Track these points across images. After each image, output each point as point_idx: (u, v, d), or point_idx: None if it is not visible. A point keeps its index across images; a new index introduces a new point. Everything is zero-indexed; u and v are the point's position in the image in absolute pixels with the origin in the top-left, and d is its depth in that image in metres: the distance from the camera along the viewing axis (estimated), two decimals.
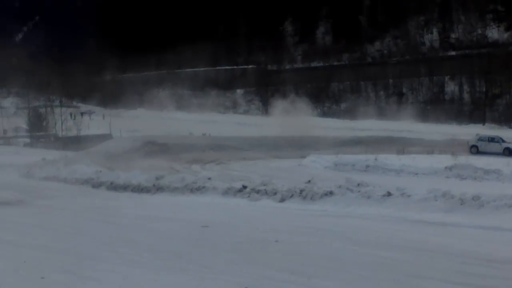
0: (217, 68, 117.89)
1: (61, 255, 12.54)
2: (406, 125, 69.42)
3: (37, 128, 71.91)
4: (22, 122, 73.66)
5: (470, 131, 59.43)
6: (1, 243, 14.18)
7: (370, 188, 17.16)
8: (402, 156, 36.43)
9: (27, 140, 66.84)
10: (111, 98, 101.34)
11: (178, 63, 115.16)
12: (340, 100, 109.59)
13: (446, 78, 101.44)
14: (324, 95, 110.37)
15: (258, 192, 18.83)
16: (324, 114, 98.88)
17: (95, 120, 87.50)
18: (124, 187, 22.99)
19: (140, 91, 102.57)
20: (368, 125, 71.11)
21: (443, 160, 32.89)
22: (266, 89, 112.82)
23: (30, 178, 28.98)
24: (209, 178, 21.90)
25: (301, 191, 17.96)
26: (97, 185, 24.43)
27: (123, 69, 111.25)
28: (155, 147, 38.43)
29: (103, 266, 11.55)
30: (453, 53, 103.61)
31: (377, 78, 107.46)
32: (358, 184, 17.68)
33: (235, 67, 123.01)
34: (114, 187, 23.48)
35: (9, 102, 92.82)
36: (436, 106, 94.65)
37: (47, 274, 11.08)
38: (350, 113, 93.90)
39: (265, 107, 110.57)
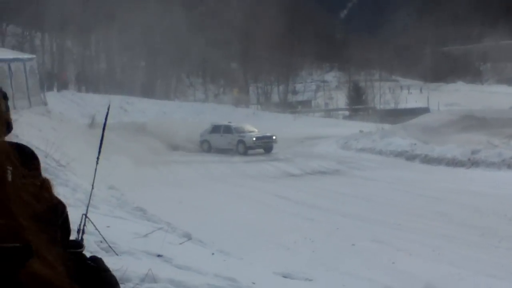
0: None
1: (372, 224, 12.82)
2: None
3: (356, 101, 73.92)
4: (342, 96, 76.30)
5: None
6: (318, 209, 14.92)
7: None
8: None
9: (346, 113, 69.05)
10: (431, 72, 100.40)
11: (501, 34, 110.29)
12: None
13: None
14: None
15: None
16: None
17: (413, 94, 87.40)
18: (438, 161, 22.73)
19: (460, 64, 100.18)
20: None
21: None
22: None
23: (347, 149, 29.95)
24: None
25: None
26: (411, 157, 24.47)
27: (444, 42, 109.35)
28: (473, 121, 37.28)
29: (412, 237, 11.60)
30: None
31: None
32: None
33: None
34: (427, 160, 23.33)
35: (331, 76, 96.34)
36: None
37: (357, 242, 11.43)
38: None
39: None
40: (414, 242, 11.22)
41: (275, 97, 73.41)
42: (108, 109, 6.68)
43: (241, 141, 33.48)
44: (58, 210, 0.97)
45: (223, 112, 55.02)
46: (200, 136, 35.40)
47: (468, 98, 75.56)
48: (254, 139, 33.28)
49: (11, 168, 0.88)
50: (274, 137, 33.62)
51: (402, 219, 13.07)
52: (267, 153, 32.47)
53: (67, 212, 0.99)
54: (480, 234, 11.43)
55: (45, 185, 0.95)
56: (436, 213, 13.56)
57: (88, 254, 1.06)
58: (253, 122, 39.24)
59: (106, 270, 1.07)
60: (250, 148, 33.16)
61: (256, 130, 34.76)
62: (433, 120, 37.77)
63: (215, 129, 35.38)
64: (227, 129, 34.74)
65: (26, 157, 0.99)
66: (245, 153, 32.49)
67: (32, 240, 0.84)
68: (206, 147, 34.83)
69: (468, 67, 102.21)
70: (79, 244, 1.07)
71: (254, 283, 7.18)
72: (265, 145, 33.40)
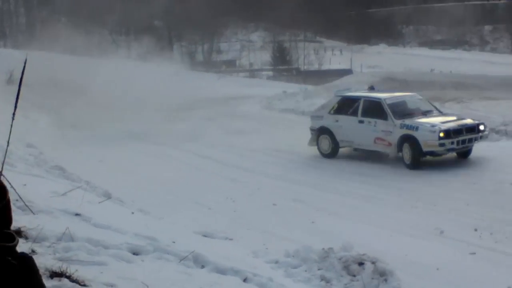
0: (466, 3, 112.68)
1: (293, 184, 12.94)
2: None
3: (281, 62, 74.11)
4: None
5: None
6: (240, 169, 14.92)
7: None
8: None
9: (270, 73, 69.13)
10: (355, 33, 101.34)
11: None
12: None
13: None
14: None
15: (498, 132, 17.91)
16: None
17: (337, 56, 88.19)
18: None
19: (384, 27, 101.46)
20: None
21: None
22: None
23: (270, 110, 29.97)
24: None
25: None
26: None
27: (368, 4, 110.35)
28: (394, 83, 37.85)
29: (332, 197, 11.78)
30: None
31: None
32: None
33: (485, 2, 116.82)
34: None
35: (256, 36, 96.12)
36: None
37: (278, 201, 11.52)
38: None
39: None
40: (333, 202, 11.40)
41: (199, 57, 72.85)
42: (25, 64, 6.41)
43: (410, 138, 14.13)
44: None
45: (145, 71, 54.26)
46: (311, 120, 17.45)
47: (390, 61, 76.47)
48: (441, 134, 13.94)
49: None
50: (482, 127, 14.83)
51: (322, 180, 13.23)
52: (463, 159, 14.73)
53: (8, 197, 0.91)
54: (398, 195, 11.67)
55: None
56: (356, 173, 13.76)
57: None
58: (177, 83, 38.49)
59: (31, 271, 0.97)
60: (433, 153, 14.25)
61: (435, 110, 15.80)
62: (355, 82, 38.24)
63: (345, 104, 16.31)
64: (375, 108, 15.25)
65: None
66: (415, 165, 13.87)
67: None
68: (326, 145, 16.02)
69: (391, 29, 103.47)
70: (11, 237, 0.97)
71: (174, 242, 7.16)
72: (465, 146, 14.48)
